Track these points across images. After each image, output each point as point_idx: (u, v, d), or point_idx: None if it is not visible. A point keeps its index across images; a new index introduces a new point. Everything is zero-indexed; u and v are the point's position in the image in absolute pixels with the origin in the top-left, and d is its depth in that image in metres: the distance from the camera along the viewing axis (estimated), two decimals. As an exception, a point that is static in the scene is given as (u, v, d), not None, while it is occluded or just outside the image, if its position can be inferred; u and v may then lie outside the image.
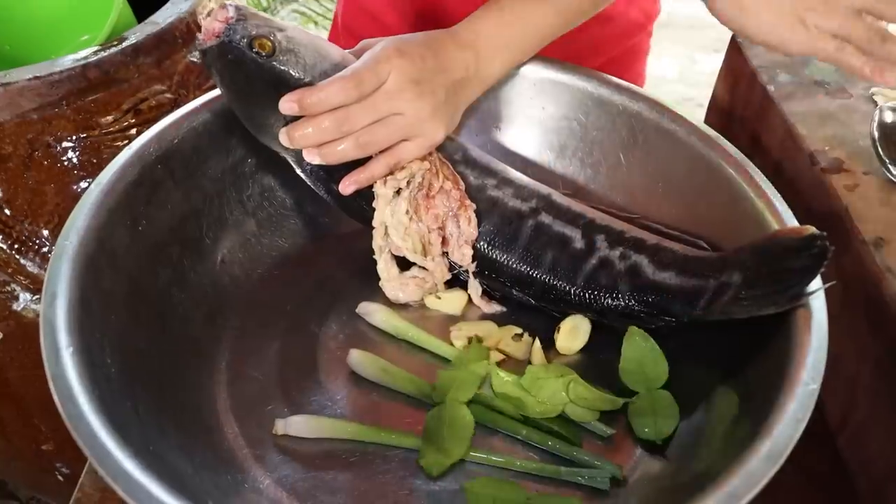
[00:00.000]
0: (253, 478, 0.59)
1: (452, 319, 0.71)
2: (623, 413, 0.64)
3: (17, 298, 0.95)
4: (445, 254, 0.71)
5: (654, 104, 0.75)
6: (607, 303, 0.67)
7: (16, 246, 0.92)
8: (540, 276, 0.69)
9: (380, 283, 0.72)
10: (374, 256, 0.71)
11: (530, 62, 0.78)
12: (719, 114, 1.00)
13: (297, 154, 0.66)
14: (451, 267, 0.71)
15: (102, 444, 0.48)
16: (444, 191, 0.68)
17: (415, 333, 0.69)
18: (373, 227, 0.70)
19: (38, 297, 0.94)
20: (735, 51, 0.97)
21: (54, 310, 0.55)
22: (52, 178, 0.91)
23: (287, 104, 0.62)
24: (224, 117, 0.72)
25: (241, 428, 0.62)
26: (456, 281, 0.73)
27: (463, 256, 0.70)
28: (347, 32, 1.02)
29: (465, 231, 0.69)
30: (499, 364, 0.66)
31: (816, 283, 0.57)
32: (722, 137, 0.71)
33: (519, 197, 0.70)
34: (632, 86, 0.77)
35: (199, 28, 1.00)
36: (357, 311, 0.71)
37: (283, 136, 0.64)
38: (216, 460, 0.59)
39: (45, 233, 0.93)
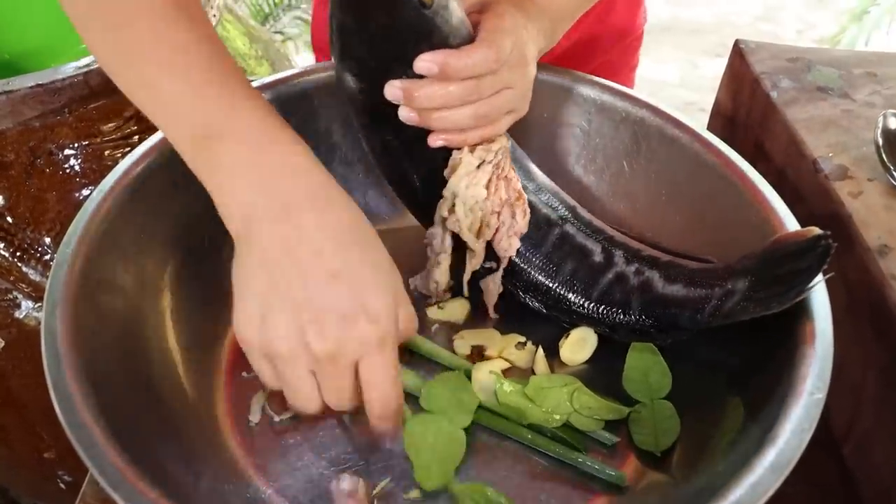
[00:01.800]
0: (255, 488, 0.59)
1: (455, 328, 0.71)
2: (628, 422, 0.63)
3: (18, 306, 0.95)
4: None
5: (658, 111, 0.75)
6: (618, 318, 0.67)
7: (18, 254, 0.92)
8: (557, 285, 0.69)
9: (416, 283, 0.73)
10: (428, 230, 0.70)
11: (532, 69, 0.77)
12: (722, 120, 1.00)
13: (375, 106, 0.63)
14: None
15: (103, 454, 0.48)
16: (508, 178, 0.67)
17: (417, 342, 0.68)
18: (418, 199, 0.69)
19: (40, 304, 0.94)
20: (738, 57, 0.97)
21: (55, 318, 0.55)
22: (53, 186, 0.91)
23: (427, 64, 0.59)
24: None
25: (243, 437, 0.62)
26: (456, 290, 0.72)
27: (510, 246, 0.69)
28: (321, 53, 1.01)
29: (518, 222, 0.68)
30: (503, 373, 0.66)
31: (817, 277, 0.57)
32: (725, 144, 0.71)
33: (550, 205, 0.70)
34: (634, 92, 0.76)
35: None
36: (360, 318, 0.70)
37: (397, 91, 0.60)
38: (218, 469, 0.59)
39: (47, 240, 0.93)
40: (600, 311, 0.68)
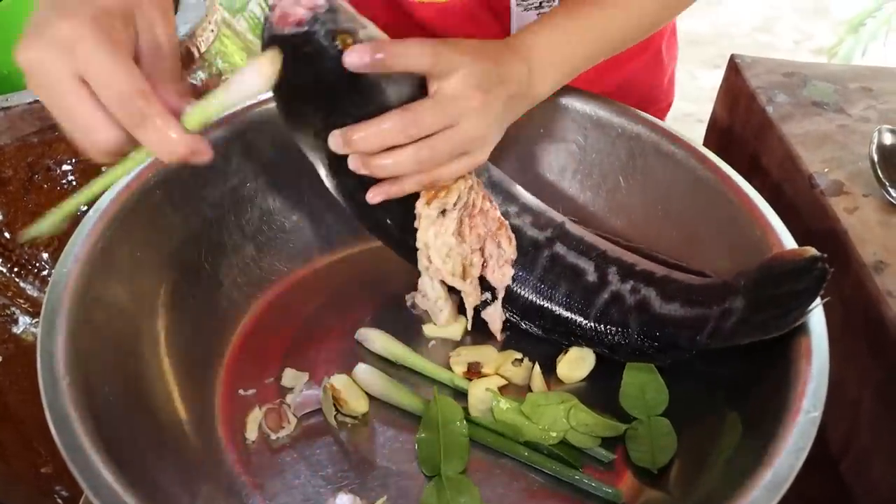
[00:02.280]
0: (251, 506, 0.59)
1: (451, 345, 0.71)
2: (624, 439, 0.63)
3: (16, 322, 0.95)
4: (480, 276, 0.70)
5: (654, 126, 0.75)
6: (618, 339, 0.66)
7: (15, 269, 0.92)
8: (553, 309, 0.68)
9: (415, 299, 0.72)
10: (419, 281, 0.70)
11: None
12: (718, 134, 1.00)
13: (331, 160, 0.62)
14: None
15: (99, 475, 0.48)
16: (483, 211, 0.67)
17: (414, 360, 0.68)
18: (392, 245, 0.69)
19: (37, 320, 0.94)
20: (733, 71, 0.97)
21: (52, 339, 0.55)
22: (51, 202, 0.91)
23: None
24: (223, 142, 0.72)
25: (240, 455, 0.62)
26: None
27: (503, 276, 0.69)
28: None
29: (505, 250, 0.68)
30: (500, 390, 0.66)
31: (815, 302, 0.57)
32: (721, 160, 0.71)
33: (536, 226, 0.69)
34: (630, 108, 0.76)
35: (200, 51, 1.01)
36: (356, 337, 0.71)
37: (338, 139, 0.58)
38: (215, 489, 0.59)
39: (45, 256, 0.93)
40: (599, 332, 0.67)
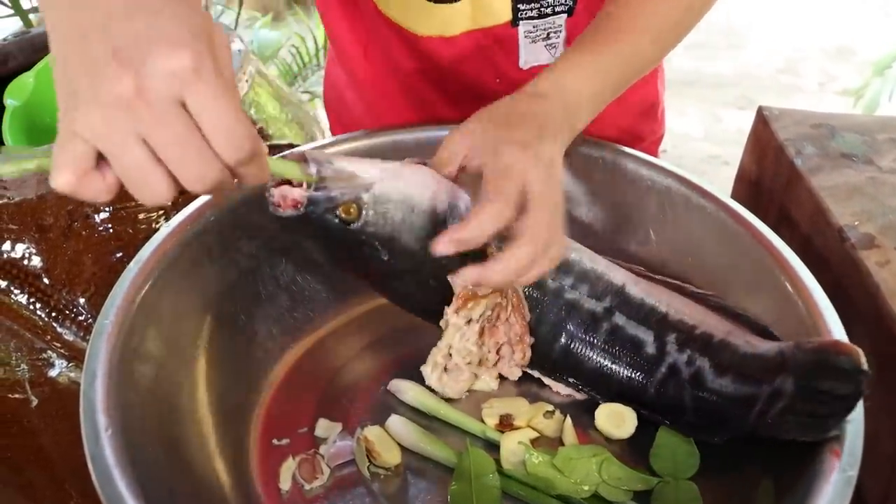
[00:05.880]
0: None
1: (484, 396, 0.71)
2: (657, 493, 0.63)
3: (52, 365, 0.97)
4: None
5: (684, 180, 0.76)
6: (676, 413, 0.66)
7: (53, 314, 0.94)
8: (615, 382, 0.69)
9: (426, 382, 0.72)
10: (422, 367, 0.71)
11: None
12: (747, 185, 1.01)
13: (376, 288, 0.68)
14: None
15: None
16: (509, 323, 0.68)
17: (446, 411, 0.69)
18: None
19: (73, 363, 0.96)
20: (761, 123, 0.98)
21: (94, 389, 0.56)
22: (89, 248, 0.93)
23: (443, 247, 0.58)
24: (259, 194, 0.73)
25: (275, 506, 0.63)
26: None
27: (512, 374, 0.71)
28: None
29: (517, 360, 0.70)
30: (532, 442, 0.66)
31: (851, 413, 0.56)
32: (750, 213, 0.72)
33: (594, 296, 0.69)
34: (661, 161, 0.78)
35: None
36: (388, 387, 0.71)
37: (468, 276, 0.59)
38: (250, 541, 0.60)
39: (82, 301, 0.95)
40: (659, 405, 0.67)
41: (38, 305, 0.93)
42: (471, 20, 0.81)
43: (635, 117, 0.97)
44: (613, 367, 0.68)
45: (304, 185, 0.58)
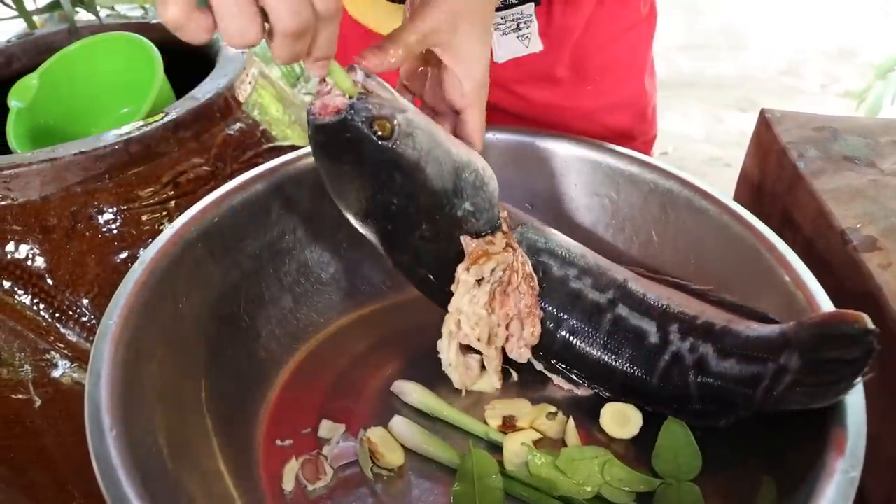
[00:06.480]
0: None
1: (486, 397, 0.72)
2: (660, 494, 0.63)
3: (55, 366, 0.97)
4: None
5: (686, 183, 0.76)
6: (681, 401, 0.66)
7: (57, 315, 0.94)
8: (619, 374, 0.69)
9: (443, 367, 0.72)
10: (438, 342, 0.71)
11: (561, 140, 0.79)
12: (749, 188, 1.01)
13: (385, 241, 0.67)
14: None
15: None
16: (520, 292, 0.68)
17: (449, 412, 0.69)
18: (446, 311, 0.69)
19: (76, 364, 0.96)
20: (763, 126, 0.98)
21: (99, 390, 0.56)
22: (93, 249, 0.93)
23: None
24: (262, 195, 0.74)
25: (278, 507, 0.63)
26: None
27: (520, 356, 0.71)
28: None
29: (527, 337, 0.70)
30: (535, 443, 0.67)
31: (860, 376, 0.56)
32: (753, 216, 0.72)
33: (597, 288, 0.69)
34: (663, 164, 0.78)
35: (238, 102, 1.03)
36: (392, 389, 0.71)
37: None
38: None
39: (85, 302, 0.95)
40: (663, 395, 0.67)
41: (41, 306, 0.94)
42: None
43: (622, 116, 0.97)
44: (617, 357, 0.69)
45: (346, 97, 0.59)
